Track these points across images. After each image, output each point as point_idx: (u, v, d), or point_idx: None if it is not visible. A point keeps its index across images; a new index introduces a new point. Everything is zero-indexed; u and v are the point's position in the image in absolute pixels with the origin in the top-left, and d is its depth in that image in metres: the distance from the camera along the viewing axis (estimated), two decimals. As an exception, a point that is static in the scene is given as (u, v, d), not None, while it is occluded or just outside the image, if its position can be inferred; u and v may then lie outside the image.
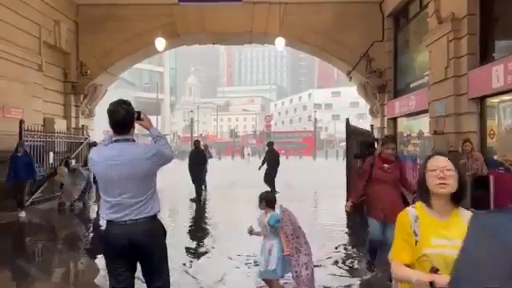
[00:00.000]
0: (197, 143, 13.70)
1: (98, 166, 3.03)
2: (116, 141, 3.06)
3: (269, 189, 12.97)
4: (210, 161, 15.23)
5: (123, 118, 3.02)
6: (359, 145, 11.38)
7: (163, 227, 3.18)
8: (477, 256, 1.26)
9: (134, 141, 3.08)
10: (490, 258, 1.21)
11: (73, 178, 11.34)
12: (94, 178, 10.62)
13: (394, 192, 5.04)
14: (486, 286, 1.17)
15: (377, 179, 5.05)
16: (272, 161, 13.76)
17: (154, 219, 3.05)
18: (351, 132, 11.37)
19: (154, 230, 3.06)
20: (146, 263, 3.09)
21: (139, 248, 2.98)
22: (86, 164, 11.36)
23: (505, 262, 1.16)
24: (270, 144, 14.52)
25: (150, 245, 3.02)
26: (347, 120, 11.47)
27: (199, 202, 12.40)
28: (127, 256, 3.01)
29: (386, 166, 5.03)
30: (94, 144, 12.48)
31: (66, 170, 12.00)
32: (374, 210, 5.04)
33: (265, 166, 13.94)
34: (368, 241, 5.31)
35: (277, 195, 12.37)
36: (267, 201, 4.28)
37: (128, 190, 2.94)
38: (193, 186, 12.73)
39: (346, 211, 5.35)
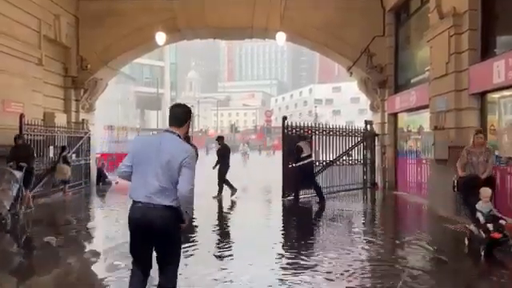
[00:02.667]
0: (187, 140, 13.01)
1: (138, 146, 3.44)
2: (165, 131, 3.47)
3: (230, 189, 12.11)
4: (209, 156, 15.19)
5: (178, 112, 3.53)
6: (292, 139, 11.61)
7: (180, 217, 3.38)
8: None
9: (179, 137, 3.41)
10: None
11: None
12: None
13: None
14: None
15: None
16: (223, 156, 12.40)
17: (170, 208, 3.29)
18: (289, 129, 11.86)
19: (169, 218, 3.30)
20: (161, 245, 3.39)
21: (156, 230, 3.28)
22: (9, 159, 9.09)
23: None
24: (220, 138, 13.09)
25: (165, 229, 3.31)
26: (284, 118, 11.89)
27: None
28: (148, 236, 3.32)
29: None
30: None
31: (67, 166, 12.02)
32: None
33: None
34: None
35: (235, 194, 12.15)
36: None
37: (157, 174, 3.25)
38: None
39: None
